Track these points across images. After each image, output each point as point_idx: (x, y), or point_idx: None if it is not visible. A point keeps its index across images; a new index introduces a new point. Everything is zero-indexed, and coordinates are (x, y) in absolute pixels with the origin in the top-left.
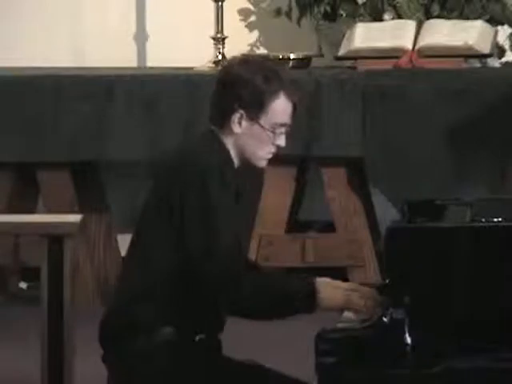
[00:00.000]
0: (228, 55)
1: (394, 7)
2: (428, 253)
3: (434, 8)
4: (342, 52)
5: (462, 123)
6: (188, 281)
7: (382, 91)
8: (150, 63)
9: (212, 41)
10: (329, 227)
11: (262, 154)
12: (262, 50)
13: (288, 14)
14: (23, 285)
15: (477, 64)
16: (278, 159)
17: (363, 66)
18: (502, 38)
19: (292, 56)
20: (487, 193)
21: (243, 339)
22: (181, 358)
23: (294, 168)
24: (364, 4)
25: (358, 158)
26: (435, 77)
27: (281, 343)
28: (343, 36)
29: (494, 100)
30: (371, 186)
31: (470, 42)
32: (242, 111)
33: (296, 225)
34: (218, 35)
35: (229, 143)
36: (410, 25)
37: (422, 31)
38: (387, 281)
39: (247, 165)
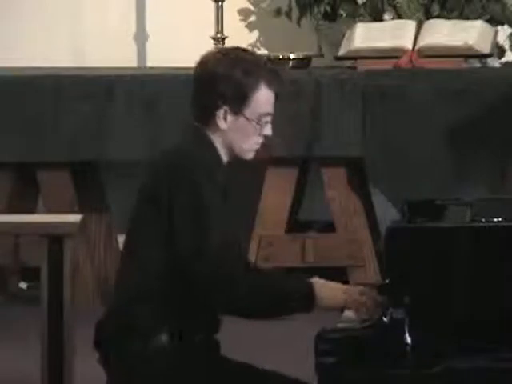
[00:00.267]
0: None
1: (394, 7)
2: (428, 253)
3: (434, 8)
4: (342, 52)
5: (462, 123)
6: (181, 281)
7: (382, 91)
8: (149, 63)
9: (212, 41)
10: (329, 227)
11: (250, 145)
12: (262, 50)
13: (288, 14)
14: (23, 285)
15: (477, 64)
16: (278, 159)
17: (363, 65)
18: (502, 38)
19: (292, 56)
20: (487, 193)
21: (242, 339)
22: (179, 359)
23: (294, 168)
24: (364, 4)
25: (358, 158)
26: (435, 77)
27: (280, 343)
28: (343, 36)
29: (494, 100)
30: (371, 185)
31: (470, 42)
32: (225, 107)
33: (296, 225)
34: (218, 35)
35: (216, 139)
36: (410, 25)
37: (422, 31)
38: (387, 281)
39: (236, 159)
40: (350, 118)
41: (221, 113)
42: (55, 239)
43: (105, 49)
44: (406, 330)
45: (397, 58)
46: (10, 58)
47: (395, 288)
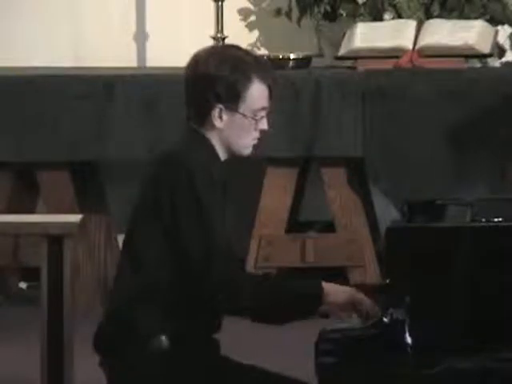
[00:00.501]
0: None
1: (394, 7)
2: (428, 253)
3: (434, 8)
4: (342, 52)
5: (462, 123)
6: (182, 281)
7: (382, 91)
8: (149, 63)
9: (212, 41)
10: (329, 227)
11: (247, 141)
12: (262, 50)
13: (288, 14)
14: (23, 285)
15: (477, 64)
16: (278, 159)
17: (363, 66)
18: (502, 38)
19: (292, 56)
20: (487, 193)
21: (242, 339)
22: (179, 360)
23: (294, 168)
24: (364, 4)
25: (358, 158)
26: (435, 77)
27: (280, 343)
28: (343, 36)
29: (494, 100)
30: (371, 185)
31: (470, 42)
32: (220, 105)
33: (296, 225)
34: (218, 35)
35: (213, 138)
36: (410, 25)
37: (422, 31)
38: (387, 281)
39: (233, 157)
40: (350, 118)
41: (216, 112)
42: (55, 239)
43: (105, 49)
44: (406, 329)
45: (397, 57)
46: (10, 58)
47: (395, 288)
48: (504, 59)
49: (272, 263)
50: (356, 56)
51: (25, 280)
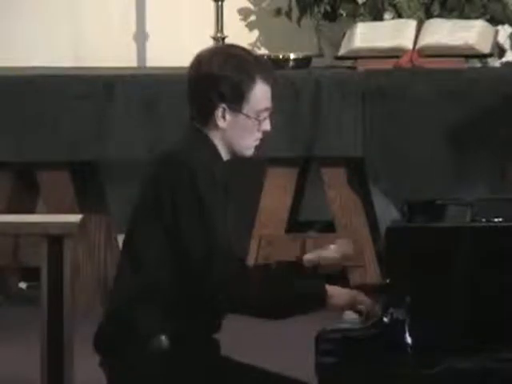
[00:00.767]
0: None
1: (394, 7)
2: (428, 253)
3: (434, 7)
4: (342, 52)
5: (462, 123)
6: (183, 281)
7: (382, 91)
8: (149, 63)
9: (212, 41)
10: (329, 227)
11: (250, 142)
12: (262, 50)
13: (288, 14)
14: (23, 285)
15: (477, 64)
16: (278, 159)
17: (363, 66)
18: (502, 38)
19: (292, 56)
20: (487, 193)
21: (242, 339)
22: (179, 359)
23: (294, 168)
24: (364, 4)
25: (358, 158)
26: (435, 77)
27: (280, 343)
28: (343, 36)
29: (494, 100)
30: (371, 185)
31: (471, 42)
32: (223, 105)
33: (296, 225)
34: (218, 35)
35: (215, 138)
36: (410, 25)
37: (423, 31)
38: (387, 281)
39: (235, 157)
40: (350, 118)
41: (219, 112)
42: (55, 239)
43: (105, 49)
44: (406, 329)
45: (397, 57)
46: (10, 58)
47: (395, 288)
48: (504, 59)
49: None
50: (356, 56)
51: (25, 280)
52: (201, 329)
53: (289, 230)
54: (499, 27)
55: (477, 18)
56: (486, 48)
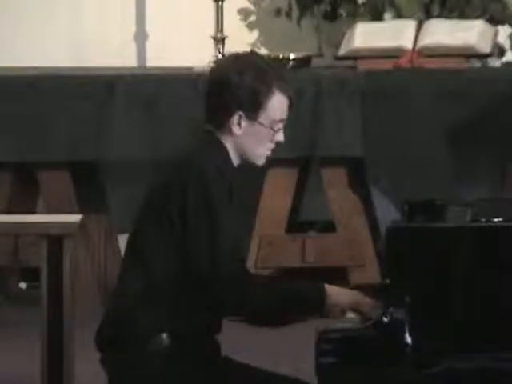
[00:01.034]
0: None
1: (394, 7)
2: (428, 253)
3: (434, 8)
4: (342, 52)
5: (462, 123)
6: (187, 283)
7: (382, 91)
8: (149, 63)
9: (212, 41)
10: (329, 227)
11: (263, 151)
12: (262, 50)
13: (288, 14)
14: (23, 285)
15: (477, 64)
16: (278, 160)
17: (363, 66)
18: (502, 38)
19: (292, 56)
20: (487, 193)
21: (242, 340)
22: (179, 360)
23: (295, 168)
24: (364, 4)
25: (358, 158)
26: (435, 77)
27: (280, 343)
28: (343, 36)
29: (494, 100)
30: (371, 185)
31: (471, 42)
32: (240, 112)
33: (296, 225)
34: (218, 35)
35: (228, 143)
36: (410, 25)
37: (422, 31)
38: (387, 281)
39: (246, 164)
40: (350, 117)
41: (235, 118)
42: (55, 239)
43: (105, 49)
44: (406, 329)
45: (397, 57)
46: (10, 58)
47: (395, 288)
48: (504, 59)
49: (272, 263)
50: (356, 56)
51: (25, 280)
52: (201, 329)
53: (289, 230)
54: (499, 27)
55: (477, 18)
56: (485, 48)
